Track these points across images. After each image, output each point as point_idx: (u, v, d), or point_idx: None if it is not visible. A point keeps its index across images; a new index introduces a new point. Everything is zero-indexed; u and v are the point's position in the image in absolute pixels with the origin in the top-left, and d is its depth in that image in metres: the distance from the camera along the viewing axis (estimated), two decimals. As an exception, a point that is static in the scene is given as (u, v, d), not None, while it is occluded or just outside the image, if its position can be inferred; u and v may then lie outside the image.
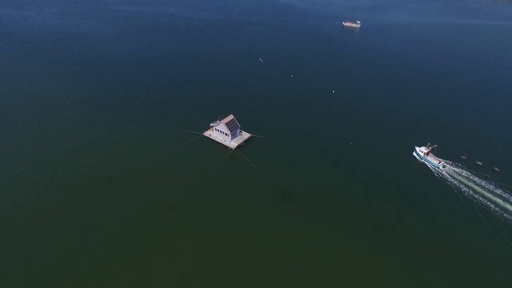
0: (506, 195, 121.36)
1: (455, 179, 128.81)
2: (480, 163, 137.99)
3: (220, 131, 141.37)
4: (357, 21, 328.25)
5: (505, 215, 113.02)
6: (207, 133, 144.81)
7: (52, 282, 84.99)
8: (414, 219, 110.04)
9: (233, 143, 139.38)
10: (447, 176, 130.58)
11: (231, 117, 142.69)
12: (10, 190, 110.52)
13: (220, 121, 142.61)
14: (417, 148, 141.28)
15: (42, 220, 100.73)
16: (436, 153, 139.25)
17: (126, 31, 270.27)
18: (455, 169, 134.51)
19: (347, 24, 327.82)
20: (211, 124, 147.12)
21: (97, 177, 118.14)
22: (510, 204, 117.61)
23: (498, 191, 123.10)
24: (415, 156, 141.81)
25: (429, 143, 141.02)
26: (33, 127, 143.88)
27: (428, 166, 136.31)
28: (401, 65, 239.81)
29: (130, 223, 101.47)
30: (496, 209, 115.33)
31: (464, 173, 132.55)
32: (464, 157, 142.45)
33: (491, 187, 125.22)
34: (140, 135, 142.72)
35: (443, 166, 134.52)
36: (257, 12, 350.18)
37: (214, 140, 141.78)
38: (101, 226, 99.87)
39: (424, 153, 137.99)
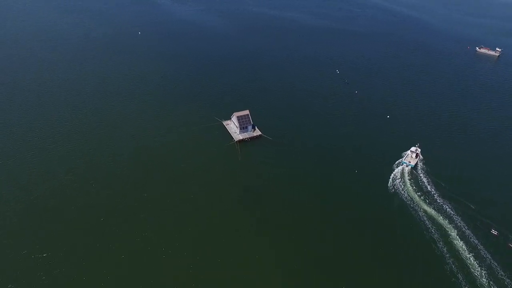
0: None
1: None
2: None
3: (234, 122, 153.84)
4: (497, 48, 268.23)
5: None
6: (225, 123, 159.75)
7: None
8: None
9: (239, 136, 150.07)
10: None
11: (246, 112, 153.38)
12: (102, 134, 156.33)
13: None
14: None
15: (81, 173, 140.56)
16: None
17: (243, 30, 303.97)
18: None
19: (482, 50, 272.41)
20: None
21: (128, 143, 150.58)
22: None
23: None
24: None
25: (418, 144, 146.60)
26: (122, 94, 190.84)
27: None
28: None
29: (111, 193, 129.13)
30: None
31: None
32: (495, 233, 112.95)
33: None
34: (180, 113, 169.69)
35: (407, 166, 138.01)
36: (379, 26, 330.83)
37: (228, 130, 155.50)
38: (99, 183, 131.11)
39: (411, 151, 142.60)
